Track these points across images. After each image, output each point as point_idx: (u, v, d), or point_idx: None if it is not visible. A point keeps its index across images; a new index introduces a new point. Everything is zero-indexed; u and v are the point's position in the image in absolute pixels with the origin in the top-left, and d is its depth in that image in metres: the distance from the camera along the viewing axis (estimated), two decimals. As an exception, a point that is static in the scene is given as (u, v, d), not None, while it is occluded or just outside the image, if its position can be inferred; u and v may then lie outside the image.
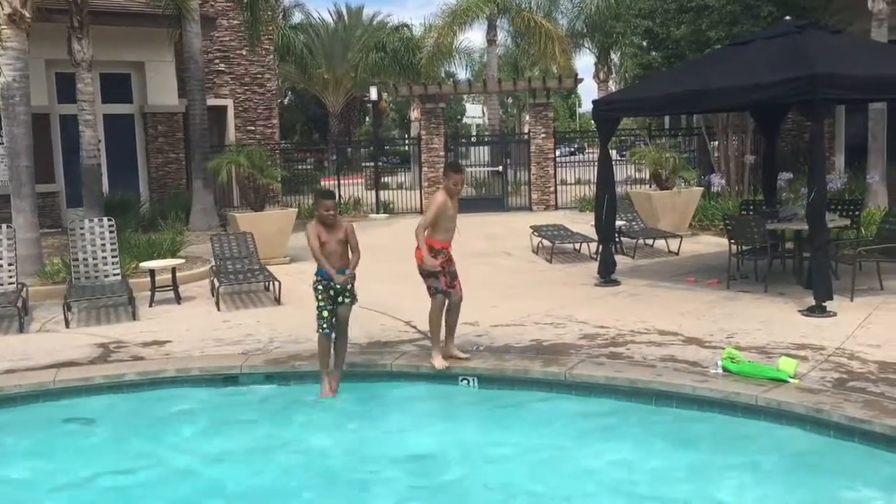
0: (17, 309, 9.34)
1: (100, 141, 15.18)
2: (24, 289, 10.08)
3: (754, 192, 16.11)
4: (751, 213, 11.53)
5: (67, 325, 9.34)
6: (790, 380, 6.24)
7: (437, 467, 5.57)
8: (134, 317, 9.62)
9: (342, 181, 22.62)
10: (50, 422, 6.54)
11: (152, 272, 10.55)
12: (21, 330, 9.16)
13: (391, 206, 21.75)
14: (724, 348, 6.99)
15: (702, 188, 16.09)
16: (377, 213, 21.19)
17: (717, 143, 18.44)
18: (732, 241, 10.46)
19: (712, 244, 13.82)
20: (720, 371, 6.52)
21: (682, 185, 15.63)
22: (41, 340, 8.73)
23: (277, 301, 10.26)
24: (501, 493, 5.09)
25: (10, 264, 10.16)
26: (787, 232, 10.60)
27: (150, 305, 10.24)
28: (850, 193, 14.32)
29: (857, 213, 11.15)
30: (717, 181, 16.54)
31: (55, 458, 5.89)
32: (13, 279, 10.10)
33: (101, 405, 6.88)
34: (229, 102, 22.25)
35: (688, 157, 19.06)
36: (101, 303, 10.26)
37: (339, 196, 21.78)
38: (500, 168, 21.91)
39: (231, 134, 22.07)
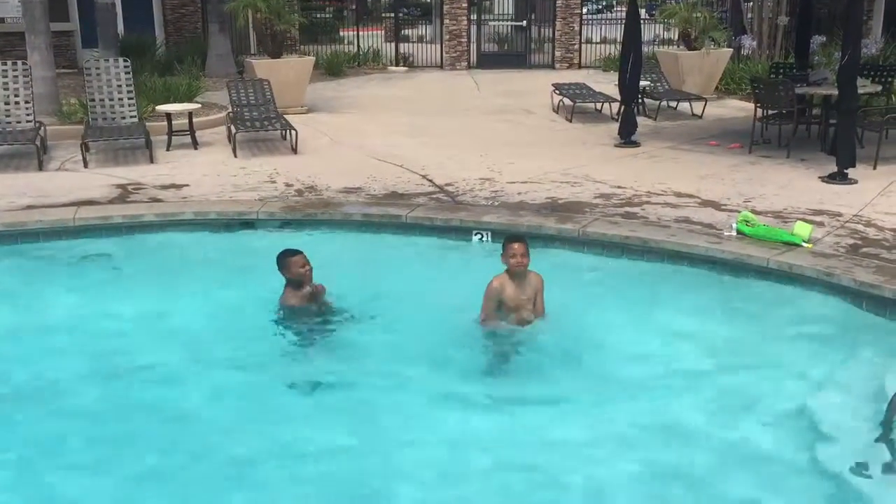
0: (36, 147, 9.35)
1: (113, -22, 14.72)
2: (42, 127, 10.06)
3: (786, 55, 15.59)
4: (780, 76, 11.21)
5: (86, 165, 9.38)
6: (804, 244, 6.25)
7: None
8: (151, 160, 9.64)
9: (361, 32, 22.06)
10: (70, 258, 6.69)
11: (169, 116, 10.49)
12: (40, 168, 9.21)
13: (411, 59, 21.27)
14: (740, 212, 6.97)
15: (731, 50, 15.59)
16: (396, 65, 20.75)
17: (751, 2, 17.71)
18: (759, 104, 10.23)
19: (737, 108, 13.53)
20: (734, 233, 6.52)
21: (712, 45, 15.12)
22: (60, 179, 8.79)
23: (294, 150, 10.22)
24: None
25: (27, 102, 10.09)
26: (816, 97, 10.33)
27: (167, 149, 10.23)
28: (884, 59, 13.85)
29: (889, 79, 10.80)
30: (749, 43, 15.99)
31: (73, 293, 6.03)
32: (31, 117, 10.06)
33: (120, 244, 7.01)
34: (246, -59, 21.36)
35: (719, 16, 18.35)
36: (119, 144, 10.25)
37: (358, 47, 21.33)
38: (524, 23, 21.25)
39: (248, -24, 21.33)
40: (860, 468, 3.89)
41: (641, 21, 12.03)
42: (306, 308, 5.34)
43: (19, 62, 10.41)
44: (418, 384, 4.78)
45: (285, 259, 5.35)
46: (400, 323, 5.45)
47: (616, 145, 10.58)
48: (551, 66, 20.20)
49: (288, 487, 3.95)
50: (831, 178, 8.38)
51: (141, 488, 3.91)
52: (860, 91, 9.10)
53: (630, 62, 10.49)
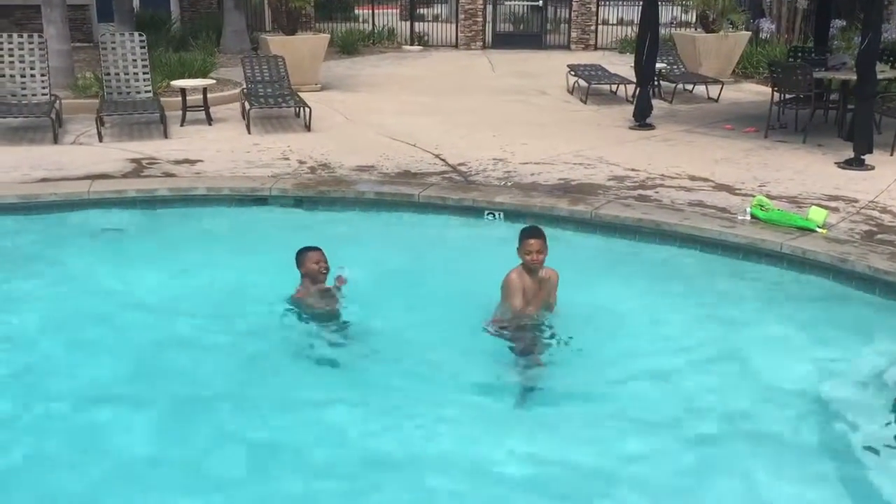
0: (51, 120, 9.38)
1: (129, -47, 14.73)
2: (58, 101, 10.08)
3: (805, 39, 15.45)
4: (798, 60, 11.10)
5: (100, 139, 9.40)
6: (818, 230, 6.21)
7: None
8: (165, 135, 9.65)
9: (376, 10, 21.97)
10: (84, 231, 6.71)
11: (183, 91, 10.49)
12: (55, 141, 9.24)
13: (426, 38, 21.18)
14: (754, 196, 6.93)
15: (749, 33, 15.43)
16: (411, 44, 20.68)
17: (771, -15, 17.52)
18: (776, 88, 10.14)
19: (754, 92, 13.43)
20: (748, 218, 6.48)
21: (730, 28, 14.98)
22: (75, 153, 8.82)
23: (307, 128, 10.21)
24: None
25: (42, 75, 10.12)
26: (834, 82, 10.23)
27: (182, 125, 10.24)
28: (905, 46, 13.69)
29: (909, 65, 10.69)
30: (767, 26, 15.84)
31: (88, 266, 6.04)
32: (46, 90, 10.08)
33: (134, 218, 7.03)
34: (262, -83, 21.30)
35: (738, -1, 18.18)
36: (133, 119, 10.27)
37: (373, 25, 21.25)
38: (540, 3, 21.11)
39: (263, -48, 21.27)
40: (871, 452, 3.89)
41: (659, 3, 11.94)
42: (316, 307, 5.18)
43: (35, 35, 10.43)
44: (425, 383, 4.59)
45: (303, 254, 5.23)
46: (410, 317, 5.23)
47: (630, 127, 10.52)
48: (567, 47, 20.09)
49: (285, 480, 3.82)
50: (848, 164, 8.32)
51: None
52: (879, 76, 9.01)
53: (647, 44, 10.40)
